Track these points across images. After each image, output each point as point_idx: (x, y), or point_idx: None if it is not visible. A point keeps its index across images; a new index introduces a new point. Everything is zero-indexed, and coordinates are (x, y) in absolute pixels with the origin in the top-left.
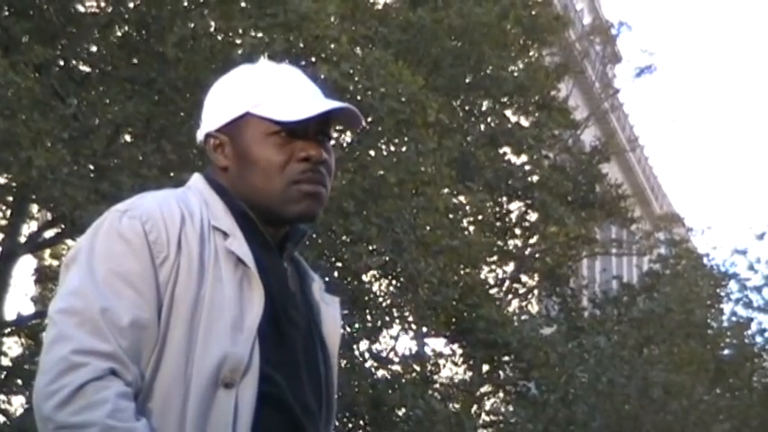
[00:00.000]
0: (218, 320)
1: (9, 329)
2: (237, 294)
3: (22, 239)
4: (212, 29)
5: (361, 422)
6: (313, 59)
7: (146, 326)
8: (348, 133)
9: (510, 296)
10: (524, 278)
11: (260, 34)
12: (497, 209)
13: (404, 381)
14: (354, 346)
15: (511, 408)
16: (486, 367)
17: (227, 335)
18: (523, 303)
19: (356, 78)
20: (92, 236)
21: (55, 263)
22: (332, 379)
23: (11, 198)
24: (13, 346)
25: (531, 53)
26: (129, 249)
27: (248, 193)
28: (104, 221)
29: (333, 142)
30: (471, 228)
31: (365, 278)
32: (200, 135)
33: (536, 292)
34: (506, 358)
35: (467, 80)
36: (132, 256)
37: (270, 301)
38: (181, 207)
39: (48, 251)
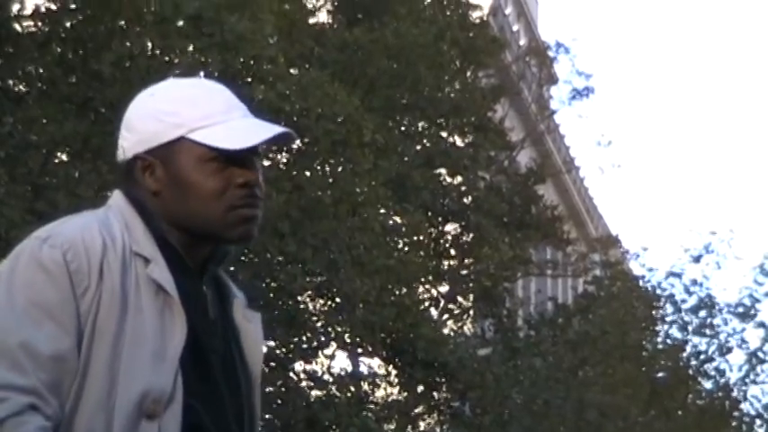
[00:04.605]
0: (140, 351)
1: None
2: (159, 323)
3: None
4: (149, 48)
5: None
6: (249, 80)
7: (66, 358)
8: (284, 153)
9: (445, 317)
10: (459, 299)
11: (197, 54)
12: (433, 230)
13: (339, 401)
14: (289, 367)
15: (446, 428)
16: (421, 388)
17: (149, 366)
18: (459, 324)
19: (292, 99)
20: (11, 265)
21: None
22: (254, 400)
23: None
24: None
25: (467, 74)
26: (50, 279)
27: (185, 218)
28: (24, 249)
29: (268, 162)
30: (407, 248)
31: (300, 298)
32: (123, 153)
33: (471, 312)
34: (443, 379)
35: (403, 101)
36: (52, 286)
37: (190, 330)
38: (103, 234)
39: None
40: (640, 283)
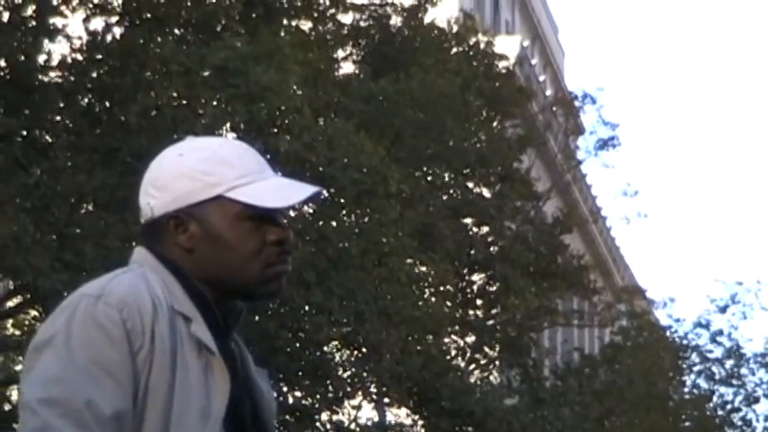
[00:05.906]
0: (188, 409)
1: None
2: (203, 382)
3: None
4: (175, 99)
5: None
6: (275, 130)
7: (124, 417)
8: (310, 203)
9: (472, 366)
10: (486, 349)
11: (222, 105)
12: (459, 280)
13: None
14: (316, 417)
15: None
16: None
17: (197, 424)
18: (485, 374)
19: (318, 149)
20: (65, 322)
21: (17, 332)
22: None
23: None
24: None
25: (493, 124)
26: (108, 338)
27: (220, 275)
28: (78, 306)
29: (294, 212)
30: (433, 298)
31: (327, 348)
32: (151, 211)
33: (497, 362)
34: (470, 428)
35: (429, 151)
36: (111, 344)
37: None
38: (152, 295)
39: (10, 320)
40: (667, 333)
